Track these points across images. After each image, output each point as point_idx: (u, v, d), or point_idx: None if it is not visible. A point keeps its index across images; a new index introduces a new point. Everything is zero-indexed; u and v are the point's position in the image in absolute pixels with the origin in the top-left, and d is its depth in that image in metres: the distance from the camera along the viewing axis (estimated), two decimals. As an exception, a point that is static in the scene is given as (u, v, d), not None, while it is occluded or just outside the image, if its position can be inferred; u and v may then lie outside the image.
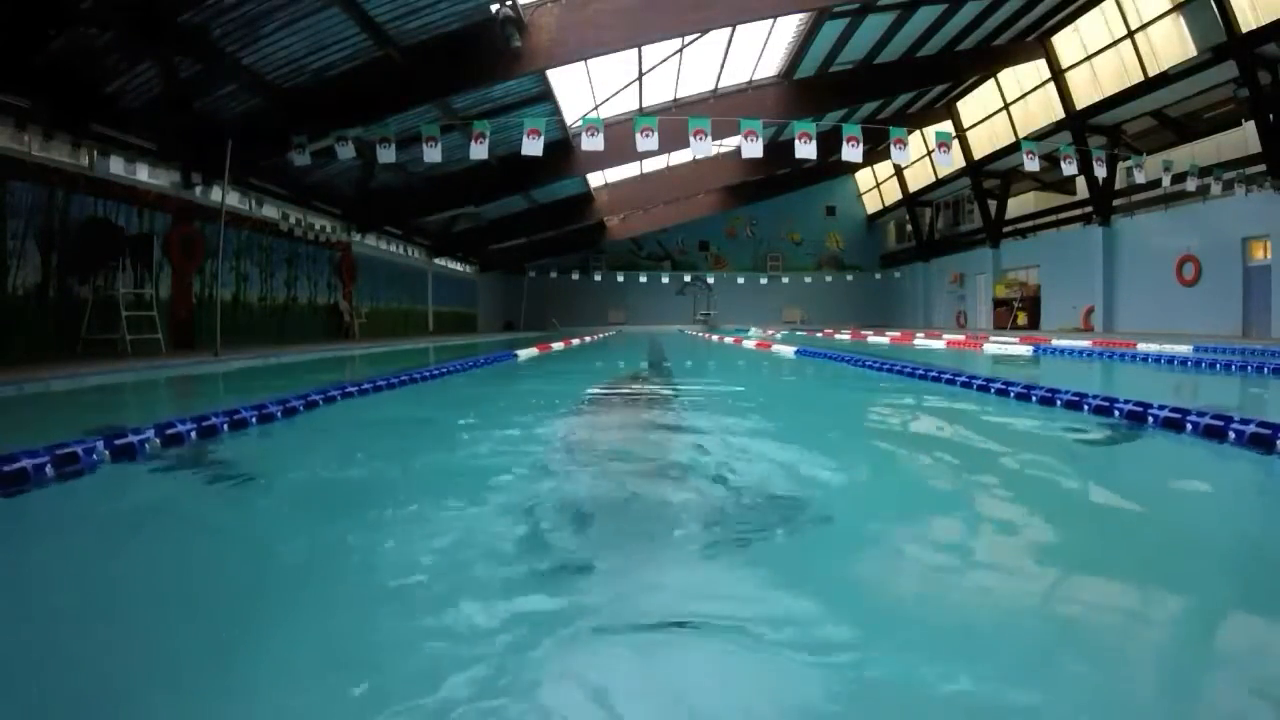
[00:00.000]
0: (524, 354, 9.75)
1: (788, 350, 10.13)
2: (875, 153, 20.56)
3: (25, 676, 1.07)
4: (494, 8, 11.12)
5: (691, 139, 12.61)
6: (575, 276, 34.81)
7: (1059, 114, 19.88)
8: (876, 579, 1.48)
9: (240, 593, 1.42)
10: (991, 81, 22.74)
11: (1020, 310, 23.11)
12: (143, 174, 10.84)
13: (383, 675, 1.03)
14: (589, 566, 1.45)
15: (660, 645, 1.07)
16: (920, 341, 14.37)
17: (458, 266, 27.20)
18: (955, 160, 19.73)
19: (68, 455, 2.30)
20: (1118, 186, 18.76)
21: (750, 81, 19.11)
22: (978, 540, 1.75)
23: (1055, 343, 11.26)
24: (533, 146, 11.57)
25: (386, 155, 11.77)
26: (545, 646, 1.06)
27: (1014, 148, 20.06)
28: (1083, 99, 19.11)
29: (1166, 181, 14.94)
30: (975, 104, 24.26)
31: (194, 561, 1.65)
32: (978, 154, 24.12)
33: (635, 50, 14.99)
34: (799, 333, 23.31)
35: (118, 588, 1.47)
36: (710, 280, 34.63)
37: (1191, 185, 14.94)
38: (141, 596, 1.41)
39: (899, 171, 30.17)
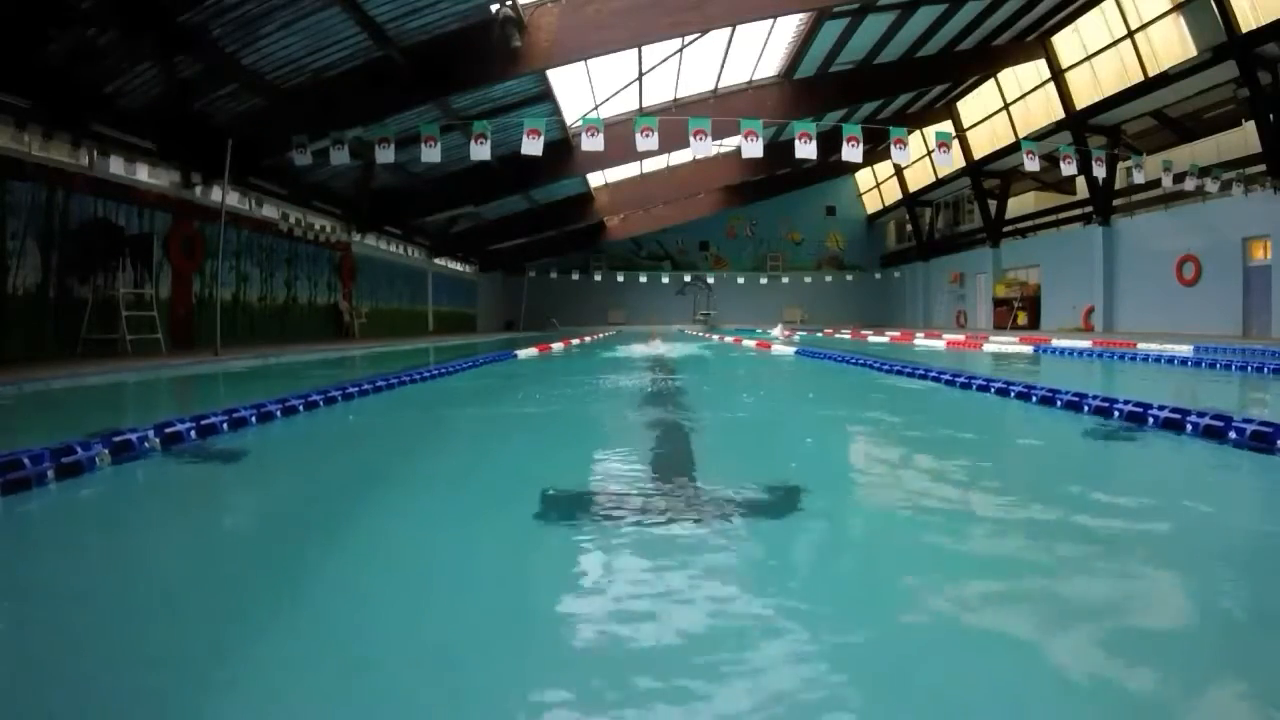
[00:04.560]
0: (523, 354, 9.77)
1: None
2: (875, 153, 20.53)
3: (28, 676, 1.07)
4: (494, 8, 11.11)
5: (691, 139, 12.61)
6: (575, 276, 34.79)
7: (1059, 114, 19.87)
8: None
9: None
10: (991, 81, 22.73)
11: (1020, 310, 23.11)
12: (143, 174, 10.84)
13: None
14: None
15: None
16: (920, 341, 14.38)
17: (458, 266, 27.19)
18: (955, 160, 19.74)
19: (67, 456, 2.30)
20: (1118, 186, 18.75)
21: (750, 81, 19.10)
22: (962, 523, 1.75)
23: (1055, 343, 11.26)
24: (533, 146, 11.57)
25: (386, 155, 11.77)
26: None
27: (1014, 148, 20.04)
28: (1083, 99, 19.10)
29: (1167, 182, 14.91)
30: (975, 104, 24.24)
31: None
32: (978, 154, 24.11)
33: (635, 50, 14.98)
34: (800, 333, 23.30)
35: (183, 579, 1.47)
36: (710, 280, 34.63)
37: (1191, 185, 14.93)
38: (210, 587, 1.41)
39: (899, 171, 30.15)
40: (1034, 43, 19.96)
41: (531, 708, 0.95)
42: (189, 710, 0.96)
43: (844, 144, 12.25)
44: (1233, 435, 2.68)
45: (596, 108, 17.57)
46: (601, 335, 21.15)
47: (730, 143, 20.78)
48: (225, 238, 10.49)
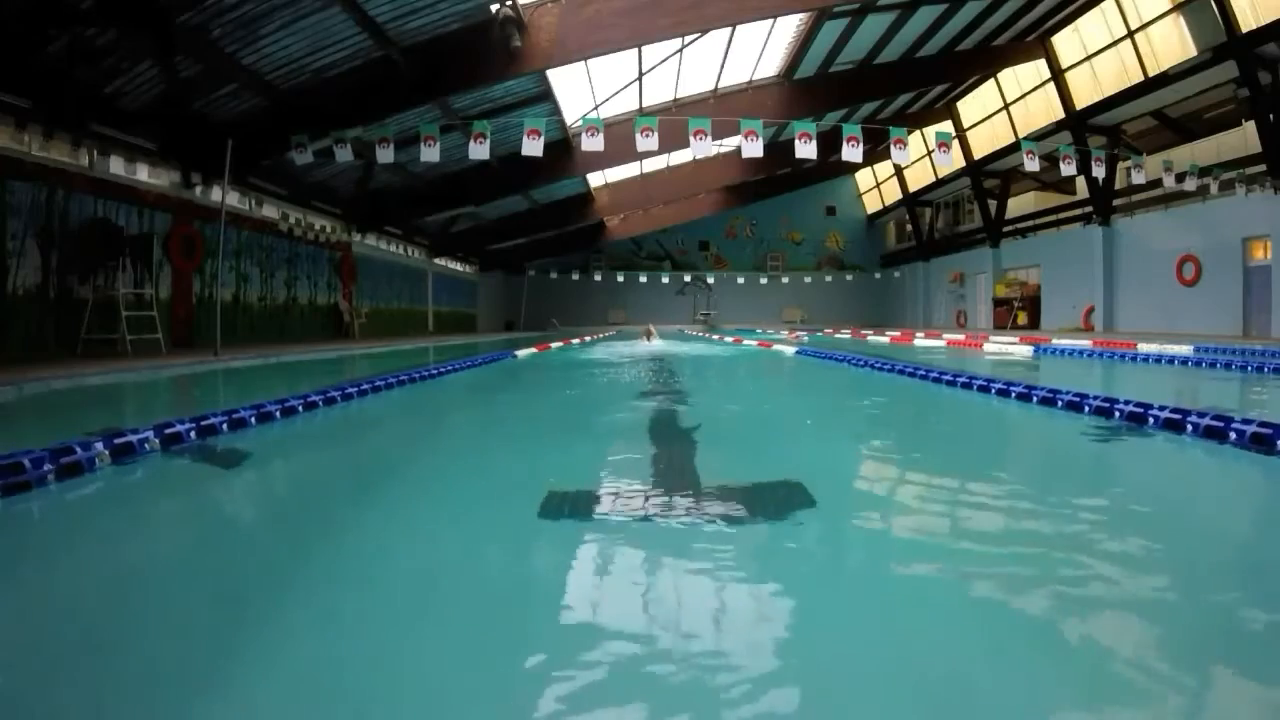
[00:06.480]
0: (522, 354, 9.76)
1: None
2: (875, 153, 20.53)
3: (30, 677, 1.07)
4: (494, 8, 11.11)
5: (691, 139, 12.60)
6: (575, 276, 34.81)
7: (1059, 114, 19.87)
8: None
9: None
10: (991, 81, 22.73)
11: (1020, 310, 23.11)
12: (143, 174, 10.84)
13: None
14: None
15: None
16: (920, 341, 14.38)
17: (458, 266, 27.20)
18: (955, 160, 19.76)
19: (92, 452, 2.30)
20: (1118, 186, 18.75)
21: (750, 81, 19.10)
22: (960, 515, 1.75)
23: (1055, 343, 11.26)
24: (533, 146, 11.56)
25: (386, 155, 11.76)
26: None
27: (1014, 148, 20.05)
28: (1083, 99, 19.10)
29: (1169, 181, 14.90)
30: (975, 104, 24.25)
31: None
32: (978, 154, 24.11)
33: (635, 50, 14.98)
34: (803, 335, 23.29)
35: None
36: (710, 280, 34.64)
37: (1191, 185, 14.93)
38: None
39: (899, 171, 30.16)
40: (1034, 43, 19.96)
41: (530, 707, 0.95)
42: (187, 710, 0.96)
43: (844, 144, 12.23)
44: (1233, 436, 2.68)
45: (596, 108, 17.57)
46: (598, 336, 21.18)
47: (730, 143, 20.78)
48: (225, 238, 10.48)
